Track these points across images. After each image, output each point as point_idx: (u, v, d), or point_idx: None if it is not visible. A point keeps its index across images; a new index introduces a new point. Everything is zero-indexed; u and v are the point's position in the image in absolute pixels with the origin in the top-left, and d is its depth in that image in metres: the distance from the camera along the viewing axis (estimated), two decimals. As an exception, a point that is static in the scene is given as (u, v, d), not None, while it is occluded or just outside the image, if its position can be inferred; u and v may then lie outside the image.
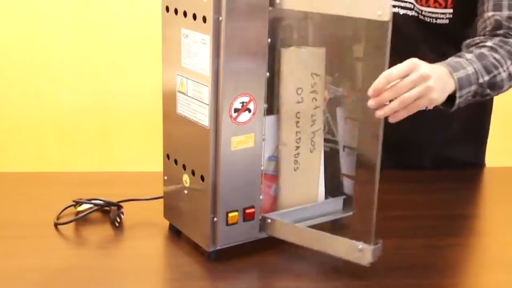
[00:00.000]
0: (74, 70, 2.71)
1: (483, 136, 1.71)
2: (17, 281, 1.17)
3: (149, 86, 2.68)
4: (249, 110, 1.18)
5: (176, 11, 1.20)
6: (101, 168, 2.77)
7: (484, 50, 1.33)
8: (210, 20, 1.12)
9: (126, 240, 1.33)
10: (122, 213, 1.37)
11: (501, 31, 1.38)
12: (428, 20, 1.48)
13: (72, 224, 1.36)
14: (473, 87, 1.29)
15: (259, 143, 1.20)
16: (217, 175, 1.18)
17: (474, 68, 1.29)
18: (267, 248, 1.26)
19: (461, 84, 1.26)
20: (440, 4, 1.45)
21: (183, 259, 1.25)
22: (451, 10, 1.45)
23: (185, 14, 1.18)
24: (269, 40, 1.17)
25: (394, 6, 1.51)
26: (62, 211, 1.39)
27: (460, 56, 1.32)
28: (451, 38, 1.46)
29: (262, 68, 1.17)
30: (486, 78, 1.31)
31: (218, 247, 1.22)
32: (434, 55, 1.47)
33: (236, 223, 1.21)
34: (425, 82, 1.17)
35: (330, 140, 1.32)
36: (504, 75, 1.33)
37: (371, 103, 1.15)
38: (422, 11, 1.48)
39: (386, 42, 1.05)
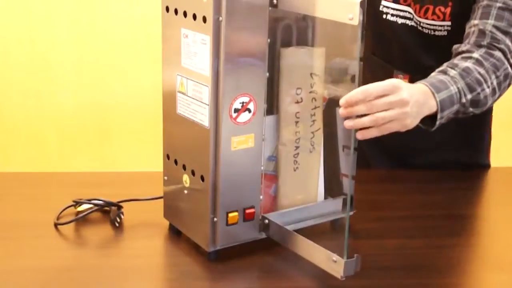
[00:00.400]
0: (74, 70, 2.71)
1: (484, 138, 1.71)
2: (17, 281, 1.17)
3: (149, 86, 2.68)
4: (249, 110, 1.18)
5: (176, 11, 1.20)
6: (101, 168, 2.77)
7: (469, 64, 1.32)
8: (210, 20, 1.12)
9: (126, 240, 1.33)
10: (122, 213, 1.37)
11: (484, 42, 1.36)
12: (427, 32, 1.49)
13: (72, 224, 1.36)
14: (455, 107, 1.27)
15: (259, 143, 1.20)
16: (217, 175, 1.18)
17: (458, 88, 1.27)
18: (267, 248, 1.26)
19: (443, 105, 1.24)
20: (438, 17, 1.45)
21: (183, 259, 1.25)
22: (449, 23, 1.45)
23: (185, 14, 1.18)
24: (269, 40, 1.18)
25: (393, 15, 1.51)
26: (62, 211, 1.39)
27: (445, 72, 1.30)
28: (450, 49, 1.46)
29: (262, 68, 1.18)
30: (469, 96, 1.29)
31: (218, 247, 1.22)
32: (433, 64, 1.48)
33: (236, 223, 1.21)
34: (402, 107, 1.15)
35: (330, 140, 1.32)
36: (488, 91, 1.32)
37: (342, 112, 1.13)
38: (420, 22, 1.48)
39: (357, 46, 1.05)
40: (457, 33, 1.44)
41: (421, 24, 1.48)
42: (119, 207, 1.38)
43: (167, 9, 1.22)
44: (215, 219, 1.20)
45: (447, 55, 1.46)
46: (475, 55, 1.34)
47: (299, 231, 1.22)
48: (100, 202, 1.39)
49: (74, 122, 2.76)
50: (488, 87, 1.32)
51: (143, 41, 2.68)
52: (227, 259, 1.23)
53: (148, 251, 1.29)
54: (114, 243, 1.33)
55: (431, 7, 1.45)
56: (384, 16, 1.52)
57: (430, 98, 1.23)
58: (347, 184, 1.33)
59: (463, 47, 1.38)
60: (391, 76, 1.58)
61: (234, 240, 1.23)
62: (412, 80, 1.54)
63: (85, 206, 1.40)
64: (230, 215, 1.20)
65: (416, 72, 1.55)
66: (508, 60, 1.36)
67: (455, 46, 1.41)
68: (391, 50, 1.57)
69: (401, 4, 1.50)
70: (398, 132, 1.32)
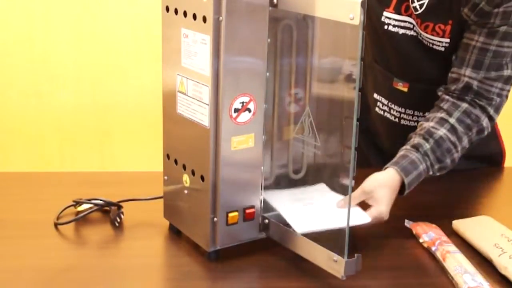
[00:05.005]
0: (74, 70, 2.71)
1: (492, 145, 1.70)
2: (17, 281, 1.17)
3: (149, 86, 2.68)
4: (249, 110, 1.18)
5: (176, 11, 1.20)
6: (101, 168, 2.77)
7: (444, 131, 1.40)
8: (210, 20, 1.12)
9: (126, 240, 1.33)
10: (122, 213, 1.37)
11: (468, 97, 1.43)
12: (426, 43, 1.49)
13: (72, 224, 1.36)
14: (422, 178, 1.38)
15: (259, 143, 1.20)
16: (217, 175, 1.18)
17: (427, 165, 1.38)
18: (267, 248, 1.26)
19: (410, 185, 1.36)
20: (438, 34, 1.46)
21: (183, 259, 1.25)
22: (448, 40, 1.46)
23: (185, 14, 1.18)
24: (269, 40, 1.18)
25: (394, 26, 1.51)
26: (62, 211, 1.39)
27: (417, 148, 1.38)
28: (448, 62, 1.48)
29: (262, 68, 1.18)
30: (437, 166, 1.39)
31: (218, 247, 1.22)
32: (432, 73, 1.48)
33: (236, 223, 1.21)
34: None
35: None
36: (456, 155, 1.41)
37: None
38: (421, 33, 1.48)
39: (358, 47, 1.05)
40: (454, 49, 1.47)
41: (421, 36, 1.49)
42: (119, 207, 1.38)
43: (167, 9, 1.22)
44: (215, 219, 1.20)
45: (445, 66, 1.47)
46: (452, 120, 1.42)
47: (299, 231, 1.22)
48: (100, 202, 1.39)
49: (74, 122, 2.76)
50: (458, 152, 1.41)
51: (143, 41, 2.68)
52: (227, 259, 1.23)
53: (148, 251, 1.29)
54: (114, 243, 1.33)
55: (431, 24, 1.45)
56: (386, 27, 1.52)
57: (398, 185, 1.35)
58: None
59: (446, 103, 1.44)
60: (391, 84, 1.58)
61: (234, 240, 1.23)
62: (411, 89, 1.55)
63: (85, 206, 1.40)
64: (230, 215, 1.20)
65: (416, 81, 1.55)
66: (487, 113, 1.44)
67: (440, 93, 1.47)
68: (391, 60, 1.58)
69: (402, 15, 1.50)
70: (397, 139, 1.37)
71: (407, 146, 1.40)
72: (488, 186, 1.68)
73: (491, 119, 1.45)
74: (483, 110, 1.43)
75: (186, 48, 1.19)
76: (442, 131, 1.40)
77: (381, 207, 1.30)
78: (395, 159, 1.38)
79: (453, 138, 1.40)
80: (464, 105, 1.43)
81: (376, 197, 1.31)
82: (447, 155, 1.40)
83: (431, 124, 1.42)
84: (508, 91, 1.45)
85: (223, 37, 1.12)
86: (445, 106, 1.44)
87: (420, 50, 1.51)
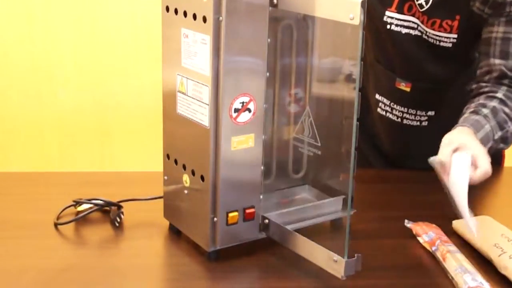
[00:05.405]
0: (74, 70, 2.71)
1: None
2: (17, 281, 1.17)
3: (149, 86, 2.69)
4: (249, 110, 1.18)
5: (176, 11, 1.20)
6: (101, 168, 2.77)
7: (495, 103, 1.40)
8: (210, 20, 1.12)
9: (126, 240, 1.33)
10: (122, 213, 1.37)
11: (506, 81, 1.44)
12: (432, 41, 1.49)
13: (72, 224, 1.36)
14: (489, 144, 1.36)
15: (259, 143, 1.20)
16: (217, 175, 1.18)
17: (491, 126, 1.36)
18: (267, 248, 1.26)
19: (482, 143, 1.34)
20: (445, 29, 1.46)
21: (183, 259, 1.25)
22: (455, 36, 1.46)
23: (185, 14, 1.18)
24: (269, 40, 1.18)
25: (397, 26, 1.51)
26: (62, 211, 1.39)
27: (477, 113, 1.38)
28: (454, 58, 1.47)
29: (262, 68, 1.18)
30: (500, 133, 1.38)
31: (218, 247, 1.22)
32: (436, 71, 1.48)
33: (236, 223, 1.21)
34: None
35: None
36: (511, 128, 1.41)
37: None
38: (427, 31, 1.48)
39: (358, 47, 1.05)
40: (461, 46, 1.47)
41: (427, 34, 1.48)
42: (119, 207, 1.38)
43: (167, 9, 1.22)
44: (215, 219, 1.20)
45: (449, 64, 1.47)
46: (499, 95, 1.42)
47: (299, 231, 1.22)
48: (100, 202, 1.39)
49: (74, 122, 2.76)
50: None
51: (143, 41, 2.69)
52: (227, 259, 1.23)
53: (148, 251, 1.29)
54: (114, 243, 1.33)
55: (438, 21, 1.45)
56: (388, 26, 1.52)
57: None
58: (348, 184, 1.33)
59: (485, 88, 1.45)
60: (393, 84, 1.58)
61: (234, 240, 1.23)
62: (414, 88, 1.55)
63: (85, 206, 1.40)
64: (230, 215, 1.20)
65: (418, 81, 1.55)
66: None
67: (473, 87, 1.47)
68: (394, 59, 1.58)
69: (405, 14, 1.50)
70: (398, 139, 1.36)
71: (465, 115, 1.39)
72: (488, 186, 1.68)
73: None
74: None
75: (186, 48, 1.19)
76: (493, 103, 1.40)
77: (472, 150, 1.27)
78: (458, 123, 1.37)
79: (506, 109, 1.40)
80: (504, 87, 1.44)
81: (463, 142, 1.27)
82: (505, 124, 1.39)
83: (480, 101, 1.42)
84: None
85: (223, 37, 1.12)
86: (486, 89, 1.44)
87: (424, 49, 1.51)
